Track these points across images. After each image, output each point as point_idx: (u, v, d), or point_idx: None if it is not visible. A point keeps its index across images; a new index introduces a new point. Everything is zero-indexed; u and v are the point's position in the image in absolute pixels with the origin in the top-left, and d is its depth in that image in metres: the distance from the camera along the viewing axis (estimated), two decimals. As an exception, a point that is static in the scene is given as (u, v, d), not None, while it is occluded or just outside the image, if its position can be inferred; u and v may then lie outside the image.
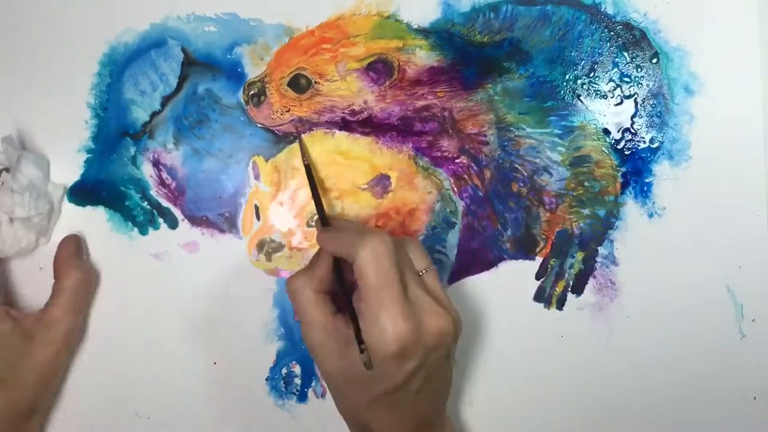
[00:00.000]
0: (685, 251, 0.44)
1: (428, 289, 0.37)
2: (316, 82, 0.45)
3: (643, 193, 0.45)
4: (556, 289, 0.45)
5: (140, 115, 0.46)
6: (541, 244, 0.45)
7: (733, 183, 0.44)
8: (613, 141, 0.45)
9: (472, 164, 0.45)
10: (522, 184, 0.45)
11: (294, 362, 0.46)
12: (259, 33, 0.45)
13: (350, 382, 0.36)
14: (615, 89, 0.45)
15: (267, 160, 0.46)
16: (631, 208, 0.45)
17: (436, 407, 0.39)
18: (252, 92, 0.45)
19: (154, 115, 0.46)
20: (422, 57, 0.45)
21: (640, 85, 0.45)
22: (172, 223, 0.46)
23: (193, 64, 0.46)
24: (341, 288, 0.38)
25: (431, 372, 0.36)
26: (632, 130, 0.45)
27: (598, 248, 0.45)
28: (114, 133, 0.46)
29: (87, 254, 0.46)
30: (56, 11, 0.46)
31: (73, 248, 0.44)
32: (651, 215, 0.45)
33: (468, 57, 0.45)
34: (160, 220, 0.46)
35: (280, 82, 0.45)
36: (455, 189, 0.45)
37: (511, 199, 0.45)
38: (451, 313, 0.37)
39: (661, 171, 0.45)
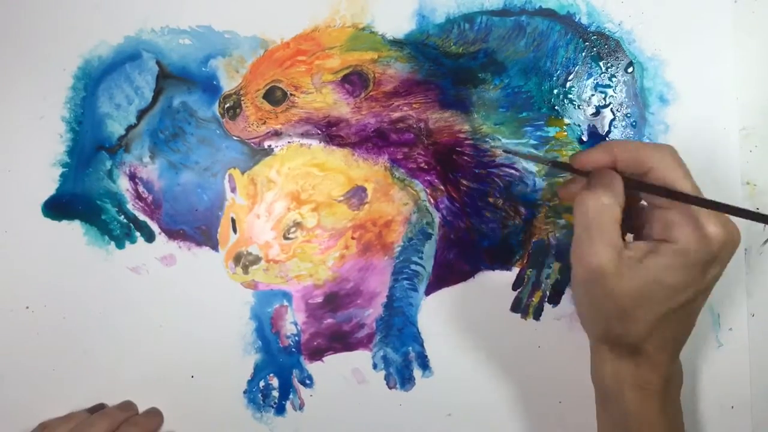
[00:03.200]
0: (661, 261, 0.44)
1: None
2: (291, 95, 0.45)
3: (619, 203, 0.44)
4: (533, 299, 0.45)
5: (116, 128, 0.46)
6: (518, 254, 0.45)
7: (709, 193, 0.44)
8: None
9: (449, 175, 0.45)
10: (498, 195, 0.45)
11: (271, 375, 0.46)
12: (233, 46, 0.45)
13: (642, 301, 0.35)
14: (590, 99, 0.45)
15: (243, 173, 0.46)
16: (607, 218, 0.45)
17: (692, 328, 0.38)
18: (227, 105, 0.45)
19: (129, 128, 0.46)
20: (397, 69, 0.45)
21: (615, 95, 0.45)
22: (149, 237, 0.46)
23: (168, 78, 0.46)
24: (654, 193, 0.36)
25: (713, 286, 0.36)
26: (608, 140, 0.45)
27: (575, 258, 0.45)
28: (89, 147, 0.46)
29: None
30: (29, 25, 0.46)
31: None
32: (627, 225, 0.45)
33: (443, 68, 0.45)
34: (137, 234, 0.46)
35: (256, 95, 0.45)
36: (431, 200, 0.45)
37: (488, 209, 0.45)
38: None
39: (637, 181, 0.44)
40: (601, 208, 0.35)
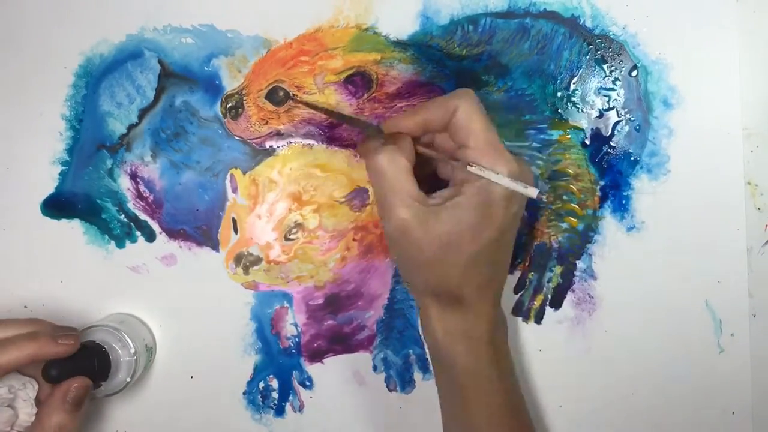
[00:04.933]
0: (663, 265, 0.44)
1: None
2: (294, 95, 0.45)
3: (622, 207, 0.44)
4: (535, 303, 0.45)
5: (117, 127, 0.45)
6: (520, 257, 0.45)
7: (712, 197, 0.44)
8: (591, 154, 0.44)
9: (451, 177, 0.45)
10: (500, 198, 0.45)
11: (271, 376, 0.46)
12: (236, 45, 0.45)
13: (450, 246, 0.36)
14: (594, 102, 0.44)
15: (245, 173, 0.45)
16: (609, 222, 0.45)
17: (506, 271, 0.39)
18: (230, 105, 0.45)
19: (131, 127, 0.46)
20: (401, 70, 0.45)
21: (618, 99, 0.44)
22: (150, 236, 0.46)
23: (170, 76, 0.45)
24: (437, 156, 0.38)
25: (517, 223, 0.37)
26: (611, 144, 0.44)
27: (577, 262, 0.45)
28: (90, 146, 0.45)
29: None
30: (30, 22, 0.45)
31: (79, 396, 0.39)
32: (629, 229, 0.44)
33: (446, 70, 0.45)
34: (138, 233, 0.46)
35: (258, 95, 0.45)
36: (433, 202, 0.45)
37: (490, 212, 0.45)
38: None
39: (640, 185, 0.44)
40: (387, 162, 0.36)
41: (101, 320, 0.43)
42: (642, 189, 0.44)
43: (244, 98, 0.45)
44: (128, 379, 0.42)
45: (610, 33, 0.44)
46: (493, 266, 0.37)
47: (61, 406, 0.37)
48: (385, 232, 0.38)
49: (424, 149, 0.38)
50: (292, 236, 0.45)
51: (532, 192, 0.35)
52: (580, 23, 0.44)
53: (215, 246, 0.45)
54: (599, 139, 0.44)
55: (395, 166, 0.36)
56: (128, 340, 0.42)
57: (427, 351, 0.45)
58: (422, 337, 0.40)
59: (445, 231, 0.35)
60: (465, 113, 0.36)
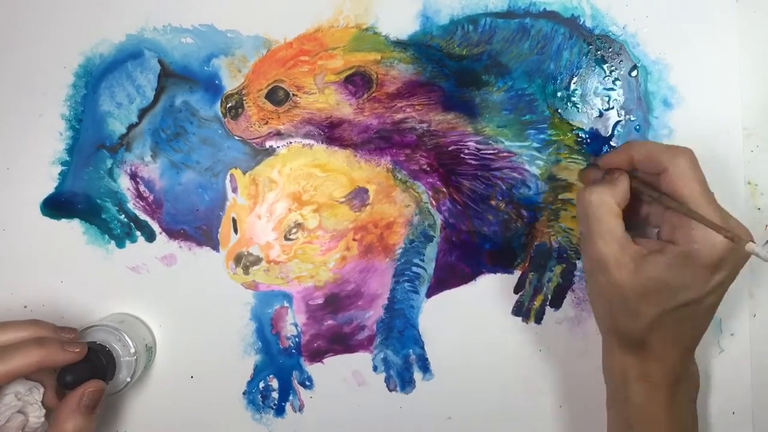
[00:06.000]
0: (663, 265, 0.44)
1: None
2: (294, 95, 0.45)
3: (622, 207, 0.44)
4: (535, 303, 0.45)
5: (117, 127, 0.45)
6: (520, 257, 0.45)
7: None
8: (591, 154, 0.44)
9: (451, 177, 0.45)
10: (500, 198, 0.45)
11: (271, 376, 0.46)
12: (236, 45, 0.45)
13: (645, 295, 0.35)
14: (594, 102, 0.44)
15: (245, 173, 0.45)
16: (609, 222, 0.44)
17: (704, 331, 0.38)
18: (229, 105, 0.45)
19: (131, 127, 0.46)
20: (401, 70, 0.45)
21: (618, 98, 0.44)
22: (150, 236, 0.46)
23: (170, 76, 0.45)
24: (654, 197, 0.37)
25: (725, 290, 0.36)
26: (611, 144, 0.44)
27: (577, 262, 0.45)
28: (90, 146, 0.45)
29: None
30: (30, 21, 0.45)
31: (95, 399, 0.38)
32: (629, 229, 0.44)
33: (446, 70, 0.45)
34: (138, 233, 0.46)
35: (258, 95, 0.45)
36: (433, 202, 0.45)
37: (490, 212, 0.45)
38: None
39: (640, 185, 0.44)
40: (597, 203, 0.37)
41: (101, 320, 0.43)
42: (642, 189, 0.44)
43: (244, 98, 0.45)
44: (128, 379, 0.42)
45: (610, 33, 0.44)
46: (687, 325, 0.37)
47: (77, 410, 0.37)
48: (583, 267, 0.38)
49: (639, 185, 0.38)
50: (292, 236, 0.45)
51: None
52: (580, 23, 0.44)
53: (215, 246, 0.45)
54: (599, 138, 0.44)
55: (604, 208, 0.36)
56: (128, 340, 0.42)
57: (425, 349, 0.45)
58: (602, 368, 0.40)
59: (643, 281, 0.35)
60: (680, 178, 0.36)
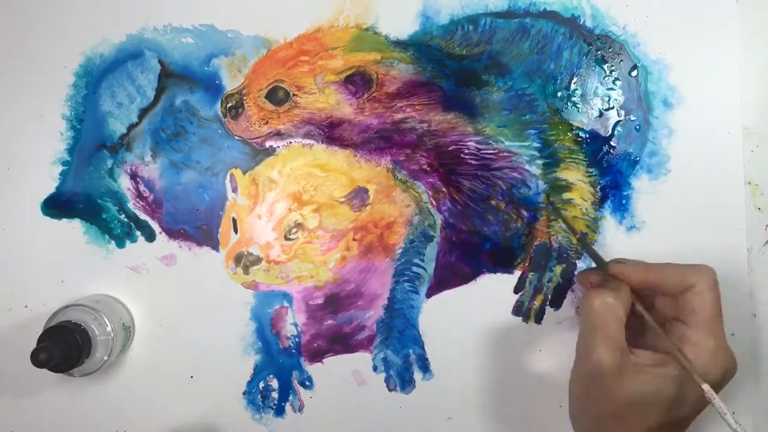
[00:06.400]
0: (663, 265, 0.44)
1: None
2: (294, 95, 0.45)
3: (622, 206, 0.44)
4: (535, 303, 0.45)
5: (117, 127, 0.46)
6: (520, 257, 0.45)
7: (712, 197, 0.44)
8: (591, 154, 0.44)
9: (451, 177, 0.45)
10: (500, 198, 0.45)
11: (271, 376, 0.46)
12: (236, 45, 0.45)
13: (639, 406, 0.35)
14: (594, 102, 0.44)
15: (245, 173, 0.45)
16: (609, 221, 0.44)
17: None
18: (230, 104, 0.45)
19: (131, 127, 0.46)
20: (401, 70, 0.45)
21: (618, 98, 0.44)
22: (150, 236, 0.46)
23: (170, 76, 0.45)
24: (648, 316, 0.38)
25: (699, 410, 0.37)
26: (611, 144, 0.44)
27: (577, 262, 0.45)
28: (90, 146, 0.46)
29: None
30: (31, 21, 0.46)
31: None
32: (629, 229, 0.44)
33: (446, 70, 0.45)
34: (138, 233, 0.46)
35: (258, 95, 0.45)
36: (433, 202, 0.45)
37: (490, 212, 0.45)
38: None
39: (640, 185, 0.44)
40: (606, 308, 0.36)
41: (77, 300, 0.44)
42: (642, 189, 0.44)
43: (244, 98, 0.45)
44: (105, 358, 0.42)
45: (610, 33, 0.44)
46: (673, 428, 0.37)
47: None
48: (577, 369, 0.38)
49: (642, 310, 0.38)
50: (292, 236, 0.45)
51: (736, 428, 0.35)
52: (580, 23, 0.44)
53: (215, 246, 0.45)
54: (599, 139, 0.44)
55: (611, 315, 0.36)
56: (105, 319, 0.42)
57: (425, 349, 0.45)
58: None
59: (639, 393, 0.35)
60: (700, 296, 0.36)
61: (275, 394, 0.46)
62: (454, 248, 0.45)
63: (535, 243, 0.45)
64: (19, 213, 0.46)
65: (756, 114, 0.44)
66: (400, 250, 0.45)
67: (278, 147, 0.45)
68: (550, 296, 0.45)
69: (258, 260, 0.45)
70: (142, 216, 0.46)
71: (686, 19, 0.44)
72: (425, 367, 0.45)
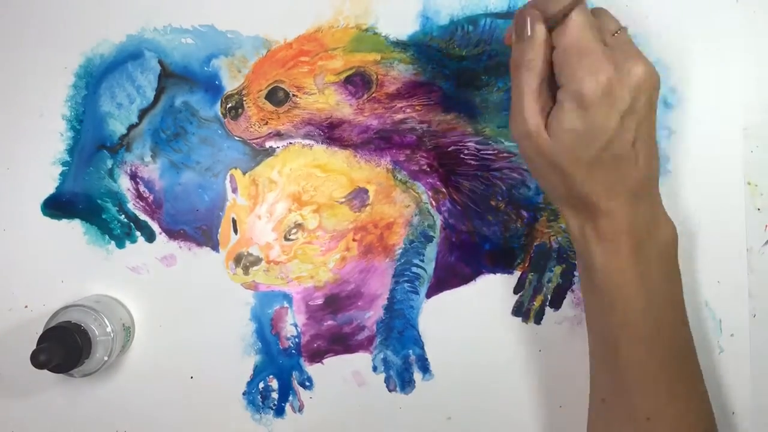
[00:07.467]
0: (663, 265, 0.44)
1: (623, 43, 0.36)
2: (293, 95, 0.45)
3: (622, 207, 0.44)
4: (534, 303, 0.45)
5: (117, 127, 0.46)
6: (520, 258, 0.45)
7: (712, 198, 0.44)
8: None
9: (451, 178, 0.45)
10: (500, 198, 0.45)
11: (271, 376, 0.46)
12: (236, 45, 0.45)
13: (568, 152, 0.35)
14: (594, 103, 0.44)
15: (245, 173, 0.45)
16: (609, 222, 0.44)
17: (650, 167, 0.37)
18: (229, 105, 0.45)
19: (131, 127, 0.46)
20: (400, 70, 0.45)
21: (618, 99, 0.44)
22: (150, 237, 0.46)
23: (170, 77, 0.45)
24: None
25: (642, 121, 0.35)
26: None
27: (577, 262, 0.45)
28: (90, 146, 0.46)
29: None
30: (31, 22, 0.46)
31: None
32: (629, 229, 0.44)
33: (446, 70, 0.45)
34: (138, 234, 0.46)
35: (258, 95, 0.45)
36: (433, 203, 0.45)
37: (490, 212, 0.45)
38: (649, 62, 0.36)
39: (640, 185, 0.44)
40: (525, 65, 0.35)
41: (77, 300, 0.44)
42: (642, 189, 0.44)
43: (244, 98, 0.45)
44: (106, 358, 0.42)
45: (610, 33, 0.44)
46: (618, 169, 0.36)
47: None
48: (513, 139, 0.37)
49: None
50: (291, 236, 0.45)
51: None
52: (580, 23, 0.44)
53: (215, 246, 0.46)
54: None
55: (531, 75, 0.35)
56: (104, 319, 0.42)
57: (425, 350, 0.45)
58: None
59: (562, 140, 0.35)
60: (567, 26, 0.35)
61: (275, 395, 0.46)
62: (454, 249, 0.45)
63: (535, 243, 0.45)
64: (19, 213, 0.46)
65: (756, 114, 0.44)
66: (400, 251, 0.45)
67: (278, 147, 0.45)
68: (549, 297, 0.45)
69: (258, 261, 0.45)
70: (142, 216, 0.46)
71: (686, 20, 0.44)
72: (425, 368, 0.45)
